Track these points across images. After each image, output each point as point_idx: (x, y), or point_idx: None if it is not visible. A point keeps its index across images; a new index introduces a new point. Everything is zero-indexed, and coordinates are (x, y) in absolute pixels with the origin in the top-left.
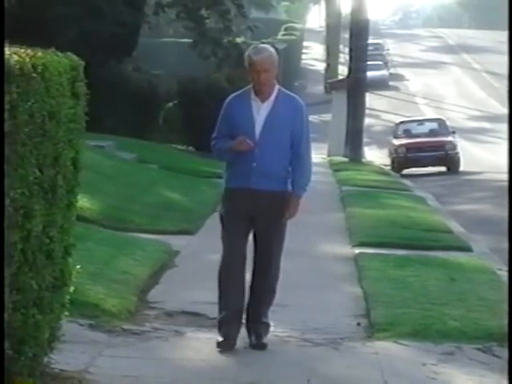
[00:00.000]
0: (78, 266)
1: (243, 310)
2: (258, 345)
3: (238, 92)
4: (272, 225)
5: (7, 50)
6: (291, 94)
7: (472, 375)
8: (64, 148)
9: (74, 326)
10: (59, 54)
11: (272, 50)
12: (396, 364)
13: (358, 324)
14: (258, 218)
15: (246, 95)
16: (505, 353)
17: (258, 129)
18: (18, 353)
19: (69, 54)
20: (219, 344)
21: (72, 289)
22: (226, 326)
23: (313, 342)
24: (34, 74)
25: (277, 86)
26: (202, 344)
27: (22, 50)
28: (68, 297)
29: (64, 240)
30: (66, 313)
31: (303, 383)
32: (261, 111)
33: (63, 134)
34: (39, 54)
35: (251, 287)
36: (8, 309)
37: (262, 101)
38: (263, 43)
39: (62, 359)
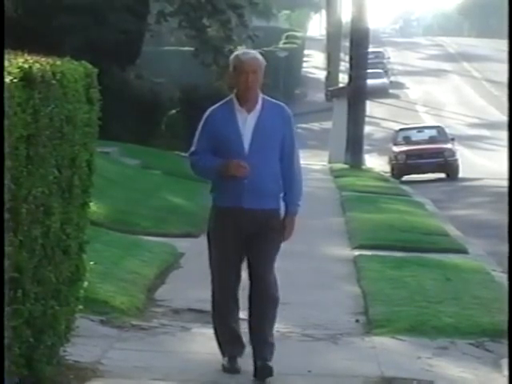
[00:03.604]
0: (92, 263)
1: (240, 332)
2: (264, 368)
3: (219, 103)
4: (266, 247)
5: (29, 59)
6: (277, 102)
7: (465, 368)
8: (80, 150)
9: (86, 322)
10: (74, 62)
11: (260, 55)
12: (392, 357)
13: (357, 321)
14: (250, 240)
15: (230, 106)
16: (496, 347)
17: (246, 142)
18: (38, 341)
19: (83, 62)
20: (226, 366)
21: (86, 284)
22: (229, 346)
23: (313, 337)
24: (54, 81)
25: (261, 95)
26: (208, 339)
27: (43, 59)
28: (82, 291)
29: (79, 237)
30: (80, 306)
31: (304, 374)
32: (247, 123)
33: (79, 137)
34: (58, 62)
35: (250, 311)
36: (30, 299)
37: (248, 111)
38: (264, 51)
39: (75, 352)
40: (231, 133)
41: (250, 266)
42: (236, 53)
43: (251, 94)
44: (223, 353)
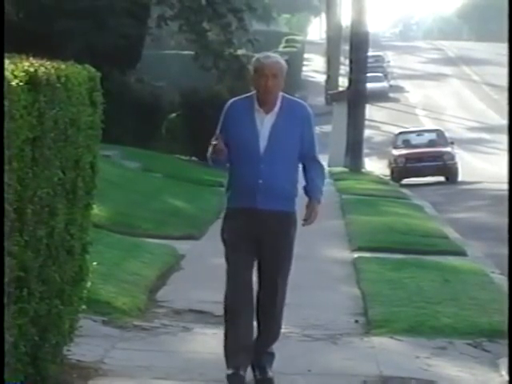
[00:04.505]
0: (95, 263)
1: (252, 342)
2: (263, 380)
3: (241, 97)
4: (278, 252)
5: (34, 62)
6: (297, 100)
7: (463, 368)
8: (83, 152)
9: (88, 322)
10: (78, 65)
11: (282, 59)
12: (391, 357)
13: (356, 321)
14: (263, 243)
15: (250, 104)
16: (494, 348)
17: (262, 143)
18: (43, 340)
19: (86, 65)
20: (229, 377)
21: (89, 284)
22: (235, 357)
23: (313, 337)
24: (58, 84)
25: (281, 94)
26: (209, 338)
27: (48, 63)
28: (85, 291)
29: (82, 238)
30: (84, 306)
31: (304, 373)
32: (264, 123)
33: (83, 139)
34: (62, 66)
35: (256, 321)
36: (35, 298)
37: (266, 112)
38: None
39: (78, 351)
40: (248, 132)
41: (260, 271)
42: (258, 55)
43: (270, 98)
44: (227, 364)
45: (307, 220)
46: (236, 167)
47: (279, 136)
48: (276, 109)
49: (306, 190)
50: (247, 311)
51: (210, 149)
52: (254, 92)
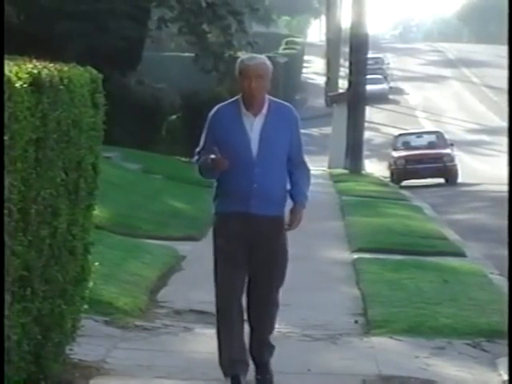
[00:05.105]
0: (96, 263)
1: (247, 350)
2: (264, 380)
3: (226, 102)
4: (273, 255)
5: (37, 64)
6: (283, 103)
7: (461, 367)
8: (85, 154)
9: (90, 322)
10: (80, 67)
11: (267, 60)
12: (390, 356)
13: (356, 321)
14: (257, 248)
15: (236, 108)
16: (493, 348)
17: (254, 147)
18: (46, 339)
19: (88, 67)
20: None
21: (91, 284)
22: (232, 366)
23: (313, 337)
24: (61, 86)
25: (267, 97)
26: (209, 338)
27: (51, 65)
28: (87, 291)
29: (84, 238)
30: (86, 306)
31: (304, 373)
32: (254, 127)
33: (85, 140)
34: (65, 68)
35: (249, 323)
36: (39, 298)
37: (254, 115)
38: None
39: (80, 351)
40: (238, 137)
41: (254, 276)
42: (242, 57)
43: (256, 100)
44: (225, 373)
45: (291, 225)
46: (228, 173)
47: (270, 139)
48: (264, 111)
49: (291, 194)
50: (239, 314)
51: (203, 162)
52: (238, 96)
